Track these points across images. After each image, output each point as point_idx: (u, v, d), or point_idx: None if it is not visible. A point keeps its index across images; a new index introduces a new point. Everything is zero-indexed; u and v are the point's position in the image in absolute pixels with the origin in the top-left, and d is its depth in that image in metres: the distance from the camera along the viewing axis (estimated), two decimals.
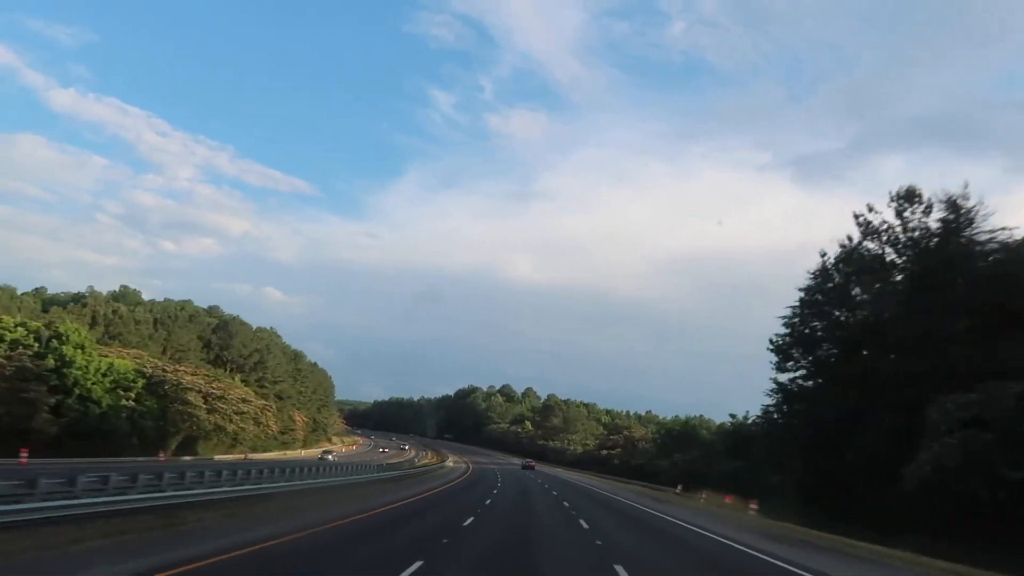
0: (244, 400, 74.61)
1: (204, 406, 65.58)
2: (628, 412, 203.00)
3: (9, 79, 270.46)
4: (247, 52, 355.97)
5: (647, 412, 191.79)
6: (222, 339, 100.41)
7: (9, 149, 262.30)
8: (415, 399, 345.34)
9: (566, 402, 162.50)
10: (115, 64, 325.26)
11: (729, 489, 51.65)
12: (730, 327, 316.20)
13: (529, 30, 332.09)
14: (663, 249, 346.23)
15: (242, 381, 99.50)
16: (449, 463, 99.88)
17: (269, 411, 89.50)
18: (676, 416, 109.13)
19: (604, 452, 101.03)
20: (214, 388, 68.99)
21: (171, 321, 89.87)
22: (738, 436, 59.46)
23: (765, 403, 47.88)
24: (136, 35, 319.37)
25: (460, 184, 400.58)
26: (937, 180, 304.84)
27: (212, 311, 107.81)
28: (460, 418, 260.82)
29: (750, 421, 57.43)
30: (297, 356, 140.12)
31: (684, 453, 67.81)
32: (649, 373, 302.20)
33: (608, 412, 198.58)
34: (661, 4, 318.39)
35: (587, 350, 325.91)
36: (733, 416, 67.09)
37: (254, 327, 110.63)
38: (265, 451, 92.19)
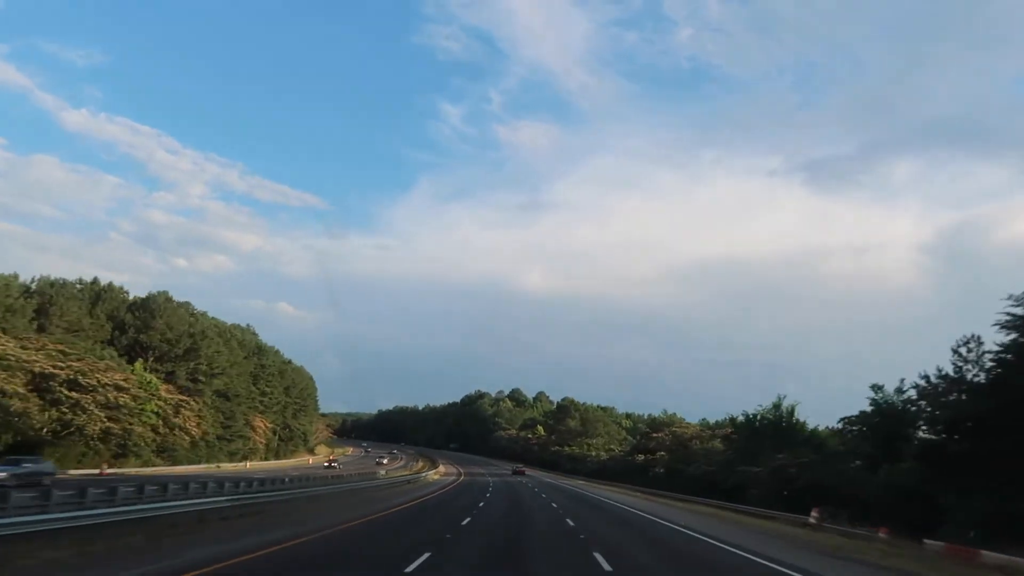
0: (120, 388, 50.74)
1: (34, 394, 42.25)
2: (650, 415, 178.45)
3: (23, 101, 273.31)
4: (253, 68, 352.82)
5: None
6: (141, 319, 76.84)
7: (25, 170, 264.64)
8: (419, 408, 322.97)
9: (584, 405, 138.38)
10: (125, 84, 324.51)
11: (884, 517, 27.68)
12: (742, 334, 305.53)
13: (537, 41, 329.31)
14: (673, 257, 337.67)
15: (164, 373, 75.96)
16: (431, 475, 75.85)
17: (187, 409, 65.75)
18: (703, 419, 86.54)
19: (642, 458, 76.02)
20: (59, 369, 45.53)
21: (63, 300, 66.24)
22: (886, 427, 34.91)
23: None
24: (145, 55, 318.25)
25: (470, 196, 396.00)
26: (951, 183, 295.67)
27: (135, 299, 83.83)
28: (466, 426, 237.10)
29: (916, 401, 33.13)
30: (263, 351, 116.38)
31: (781, 455, 42.94)
32: (661, 381, 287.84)
33: (629, 416, 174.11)
34: (668, 11, 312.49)
35: (599, 359, 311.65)
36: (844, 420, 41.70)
37: (198, 310, 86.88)
38: (191, 463, 68.50)
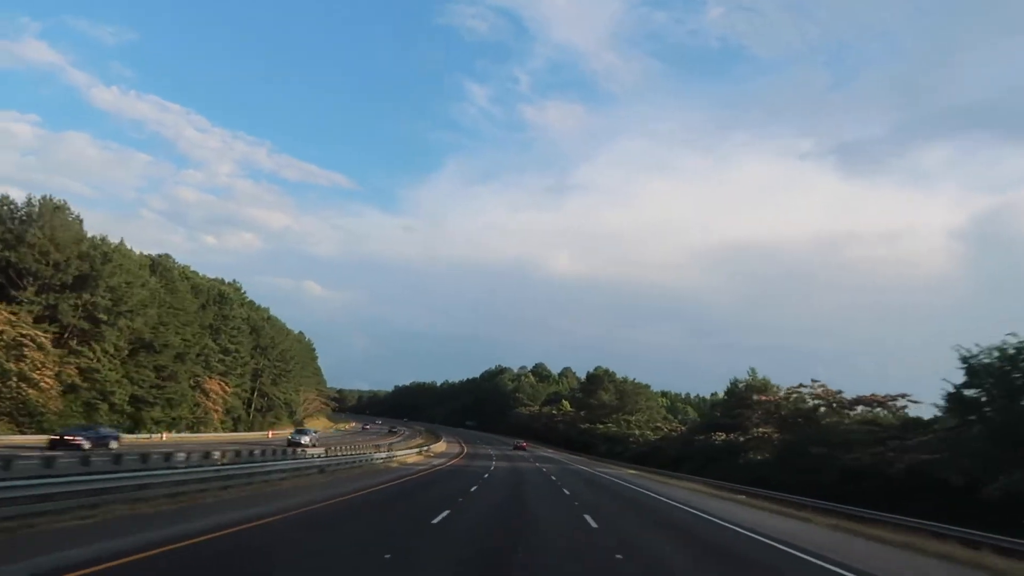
0: None
1: None
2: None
3: (55, 79, 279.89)
4: (282, 47, 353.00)
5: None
6: (14, 232, 54.10)
7: (57, 146, 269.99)
8: (437, 384, 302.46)
9: (620, 377, 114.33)
10: (155, 62, 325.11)
11: None
12: (770, 319, 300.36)
13: (564, 20, 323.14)
14: (701, 240, 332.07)
15: (43, 307, 53.29)
16: (408, 456, 52.75)
17: (34, 350, 42.95)
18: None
19: (724, 437, 52.93)
20: None
21: None
22: None
23: None
24: (175, 33, 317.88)
25: (497, 177, 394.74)
26: (985, 168, 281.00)
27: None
28: (484, 402, 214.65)
29: None
30: (225, 301, 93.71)
31: None
32: (687, 365, 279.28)
33: (664, 395, 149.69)
34: None
35: (624, 343, 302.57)
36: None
37: (98, 237, 63.67)
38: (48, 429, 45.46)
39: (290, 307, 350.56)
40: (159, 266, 79.10)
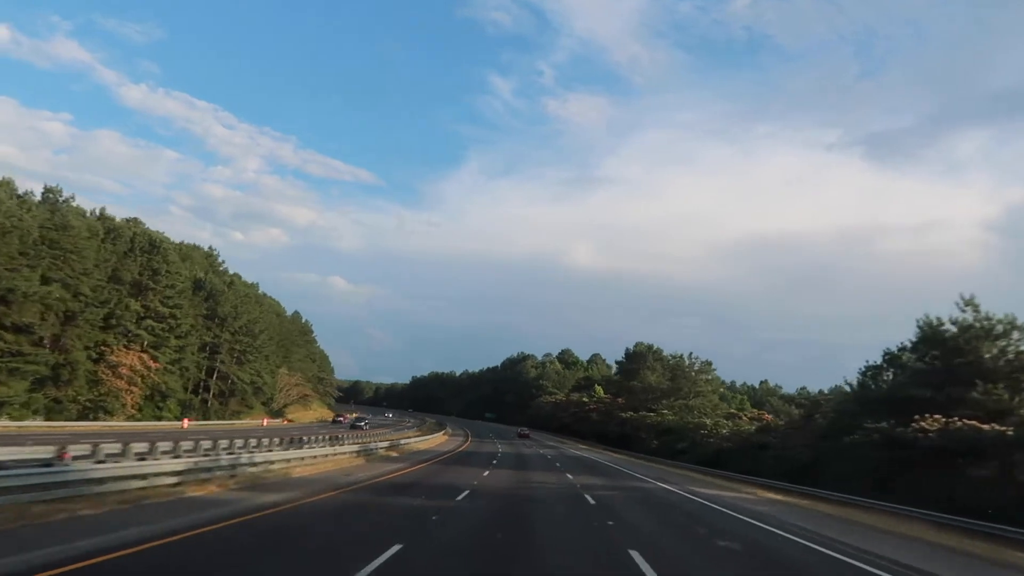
0: None
1: None
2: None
3: (85, 77, 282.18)
4: (306, 44, 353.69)
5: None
6: None
7: (88, 144, 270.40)
8: (456, 374, 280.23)
9: (673, 356, 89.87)
10: (183, 59, 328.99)
11: None
12: (796, 311, 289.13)
13: (588, 12, 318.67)
14: (725, 233, 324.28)
15: None
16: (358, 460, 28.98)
17: None
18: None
19: (936, 425, 24.40)
20: None
21: None
22: None
23: None
24: (202, 30, 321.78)
25: (520, 171, 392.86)
26: (1020, 157, 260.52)
27: None
28: (505, 392, 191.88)
29: None
30: (157, 247, 71.53)
31: None
32: (711, 359, 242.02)
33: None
34: None
35: (648, 336, 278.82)
36: None
37: None
38: None
39: (316, 302, 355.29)
40: (45, 199, 57.08)
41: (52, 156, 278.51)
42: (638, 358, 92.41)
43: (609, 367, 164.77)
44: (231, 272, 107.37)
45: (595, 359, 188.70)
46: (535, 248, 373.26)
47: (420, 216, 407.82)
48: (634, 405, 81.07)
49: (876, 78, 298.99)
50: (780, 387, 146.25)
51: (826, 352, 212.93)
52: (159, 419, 66.83)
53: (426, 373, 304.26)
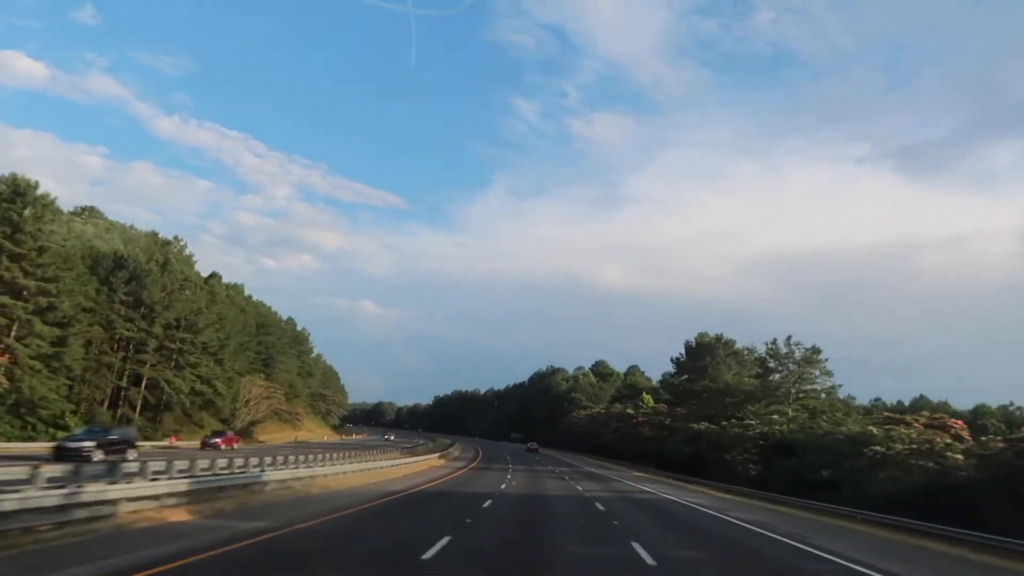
0: None
1: None
2: None
3: (120, 110, 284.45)
4: (331, 70, 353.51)
5: None
6: None
7: (123, 175, 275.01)
8: (481, 392, 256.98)
9: (747, 348, 65.54)
10: (213, 90, 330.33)
11: None
12: (828, 328, 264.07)
13: (611, 33, 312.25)
14: (754, 249, 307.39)
15: None
16: None
17: None
18: None
19: None
20: None
21: None
22: None
23: None
24: (230, 61, 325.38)
25: (546, 191, 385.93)
26: None
27: None
28: (534, 409, 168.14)
29: None
30: (21, 194, 49.81)
31: None
32: None
33: None
34: None
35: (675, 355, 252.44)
36: None
37: None
38: None
39: (347, 326, 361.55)
40: None
41: (89, 188, 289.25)
42: (704, 352, 68.22)
43: (649, 378, 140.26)
44: (228, 280, 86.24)
45: (633, 371, 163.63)
46: (562, 267, 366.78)
47: (448, 238, 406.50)
48: (706, 413, 57.12)
49: (905, 90, 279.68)
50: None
51: (855, 367, 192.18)
52: (27, 439, 44.88)
53: (449, 392, 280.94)
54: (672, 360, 72.62)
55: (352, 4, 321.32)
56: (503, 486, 31.04)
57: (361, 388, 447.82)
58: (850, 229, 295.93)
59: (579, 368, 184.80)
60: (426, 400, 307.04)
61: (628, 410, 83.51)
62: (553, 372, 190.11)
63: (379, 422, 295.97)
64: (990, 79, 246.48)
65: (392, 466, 39.85)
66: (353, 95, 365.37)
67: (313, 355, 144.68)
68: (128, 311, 62.56)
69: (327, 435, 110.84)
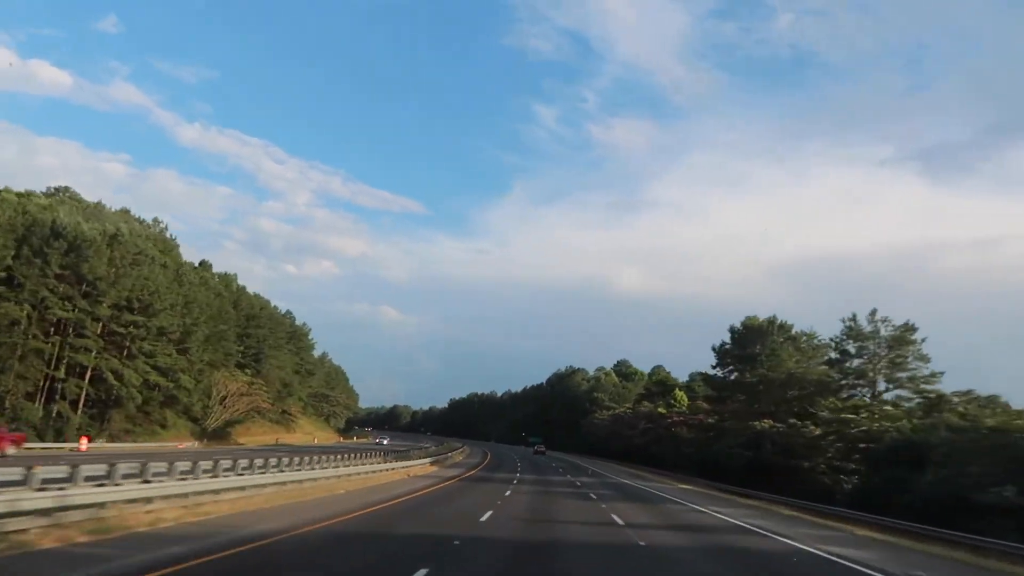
0: None
1: None
2: None
3: (143, 119, 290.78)
4: (350, 76, 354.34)
5: None
6: None
7: (146, 183, 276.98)
8: (498, 394, 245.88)
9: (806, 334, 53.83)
10: (233, 98, 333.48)
11: None
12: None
13: (631, 37, 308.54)
14: (776, 253, 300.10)
15: None
16: None
17: None
18: None
19: None
20: None
21: None
22: None
23: None
24: (250, 69, 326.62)
25: (565, 197, 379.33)
26: None
27: None
28: (553, 412, 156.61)
29: None
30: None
31: None
32: None
33: None
34: None
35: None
36: None
37: None
38: None
39: (367, 331, 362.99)
40: None
41: (112, 196, 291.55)
42: (754, 338, 56.05)
43: (676, 378, 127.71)
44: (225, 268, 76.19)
45: (658, 370, 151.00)
46: (581, 272, 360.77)
47: (467, 244, 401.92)
48: (764, 410, 45.27)
49: (929, 91, 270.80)
50: None
51: None
52: None
53: (465, 395, 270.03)
54: (714, 349, 60.52)
55: (370, 12, 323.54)
56: (489, 513, 19.45)
57: (381, 393, 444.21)
58: (873, 232, 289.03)
59: (600, 368, 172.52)
60: (443, 404, 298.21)
61: (659, 409, 71.62)
62: (572, 372, 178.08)
63: (394, 426, 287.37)
64: (1014, 80, 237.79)
65: (356, 475, 28.86)
66: (372, 102, 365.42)
67: (317, 353, 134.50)
68: (65, 288, 52.22)
69: (320, 437, 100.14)
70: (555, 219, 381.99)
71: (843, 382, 42.69)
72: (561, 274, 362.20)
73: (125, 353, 56.64)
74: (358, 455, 36.30)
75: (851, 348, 42.91)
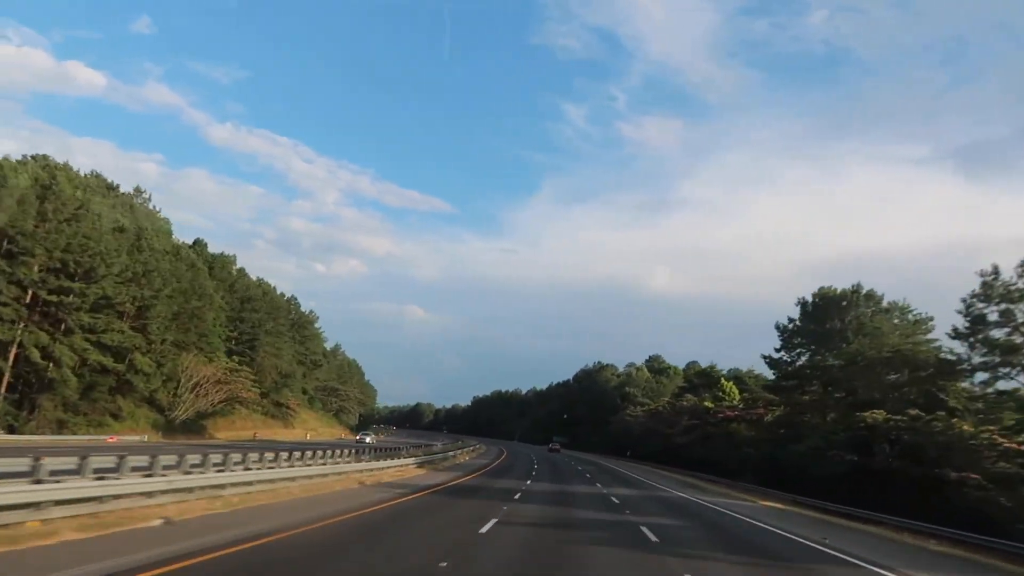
0: None
1: None
2: None
3: (176, 119, 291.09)
4: (379, 76, 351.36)
5: None
6: None
7: (179, 182, 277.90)
8: (522, 392, 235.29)
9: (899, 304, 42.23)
10: (264, 98, 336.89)
11: None
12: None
13: (661, 35, 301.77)
14: (810, 253, 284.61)
15: None
16: None
17: None
18: None
19: None
20: None
21: None
22: None
23: None
24: (281, 69, 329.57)
25: (594, 196, 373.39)
26: None
27: None
28: (580, 410, 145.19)
29: None
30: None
31: None
32: None
33: None
34: None
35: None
36: None
37: None
38: None
39: (394, 330, 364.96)
40: None
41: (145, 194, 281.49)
42: (832, 311, 43.96)
43: (720, 368, 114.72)
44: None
45: (692, 366, 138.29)
46: (610, 272, 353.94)
47: (495, 244, 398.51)
48: (861, 400, 33.52)
49: (966, 87, 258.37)
50: None
51: None
52: None
53: (488, 392, 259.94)
54: (777, 328, 48.35)
55: (399, 13, 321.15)
56: None
57: (406, 391, 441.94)
58: (909, 230, 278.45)
59: (630, 365, 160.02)
60: (467, 402, 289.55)
61: (705, 402, 59.78)
62: (601, 368, 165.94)
63: (416, 424, 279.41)
64: None
65: (276, 481, 18.25)
66: (400, 102, 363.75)
67: (328, 346, 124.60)
68: None
69: (326, 434, 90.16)
70: (583, 218, 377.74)
71: (978, 360, 30.58)
72: (589, 274, 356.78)
73: (63, 329, 46.68)
74: (313, 454, 25.51)
75: (991, 313, 30.75)
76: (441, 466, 39.23)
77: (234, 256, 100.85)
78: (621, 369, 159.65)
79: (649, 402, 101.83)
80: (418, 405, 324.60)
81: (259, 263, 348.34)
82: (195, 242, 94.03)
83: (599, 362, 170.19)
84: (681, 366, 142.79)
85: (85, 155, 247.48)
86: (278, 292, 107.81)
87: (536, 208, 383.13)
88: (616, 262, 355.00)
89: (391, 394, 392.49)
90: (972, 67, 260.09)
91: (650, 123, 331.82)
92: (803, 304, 48.60)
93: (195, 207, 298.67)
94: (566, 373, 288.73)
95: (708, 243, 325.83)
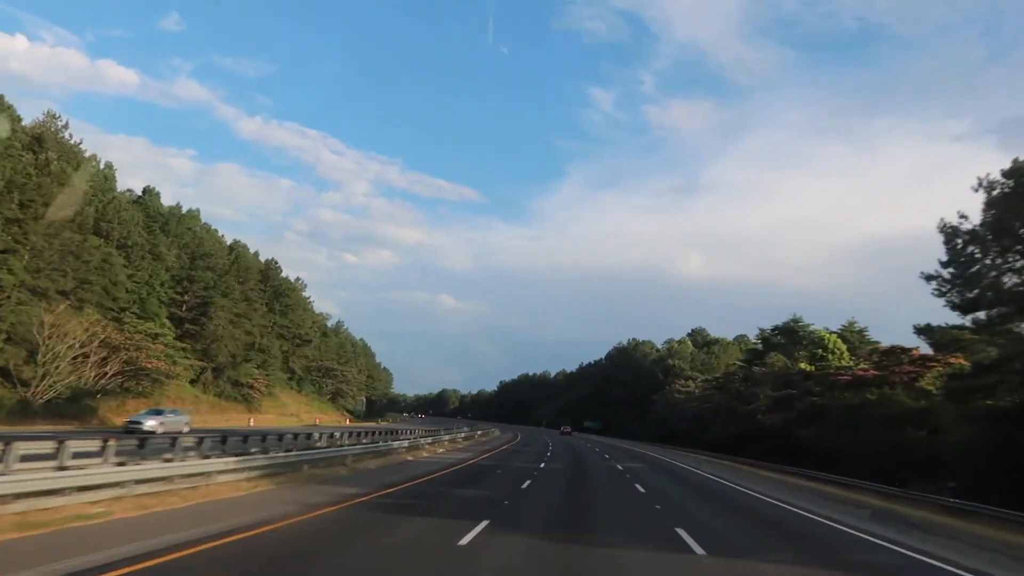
0: None
1: None
2: None
3: (207, 114, 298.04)
4: (406, 65, 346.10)
5: None
6: None
7: (211, 177, 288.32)
8: (551, 375, 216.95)
9: None
10: (292, 91, 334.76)
11: None
12: (924, 313, 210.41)
13: (688, 16, 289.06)
14: (845, 235, 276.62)
15: None
16: None
17: None
18: None
19: None
20: None
21: None
22: None
23: None
24: (307, 62, 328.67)
25: (622, 181, 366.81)
26: None
27: None
28: (615, 390, 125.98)
29: None
30: None
31: None
32: None
33: None
34: None
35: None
36: None
37: None
38: None
39: (424, 319, 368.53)
40: None
41: (179, 190, 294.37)
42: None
43: (782, 335, 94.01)
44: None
45: (740, 340, 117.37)
46: (640, 257, 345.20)
47: (523, 231, 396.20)
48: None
49: (1007, 60, 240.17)
50: None
51: None
52: None
53: (515, 376, 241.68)
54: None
55: (424, 3, 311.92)
56: None
57: (436, 379, 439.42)
58: (949, 209, 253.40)
59: (670, 340, 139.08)
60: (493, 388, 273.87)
61: (801, 364, 39.98)
62: (637, 344, 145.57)
63: (441, 411, 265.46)
64: None
65: None
66: (427, 91, 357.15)
67: (328, 321, 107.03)
68: None
69: (308, 420, 72.42)
70: (612, 204, 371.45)
71: None
72: (619, 259, 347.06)
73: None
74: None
75: None
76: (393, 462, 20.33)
77: (198, 210, 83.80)
78: (660, 345, 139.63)
79: (701, 374, 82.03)
80: (443, 391, 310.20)
81: (291, 254, 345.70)
82: (144, 190, 77.11)
83: (634, 339, 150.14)
84: (734, 335, 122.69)
85: (120, 152, 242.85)
86: (252, 252, 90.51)
87: (564, 194, 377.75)
88: (646, 247, 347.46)
89: (423, 382, 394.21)
90: (1011, 39, 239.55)
91: (679, 106, 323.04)
92: (989, 186, 28.54)
93: (228, 201, 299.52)
94: (596, 352, 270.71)
95: (740, 226, 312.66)
